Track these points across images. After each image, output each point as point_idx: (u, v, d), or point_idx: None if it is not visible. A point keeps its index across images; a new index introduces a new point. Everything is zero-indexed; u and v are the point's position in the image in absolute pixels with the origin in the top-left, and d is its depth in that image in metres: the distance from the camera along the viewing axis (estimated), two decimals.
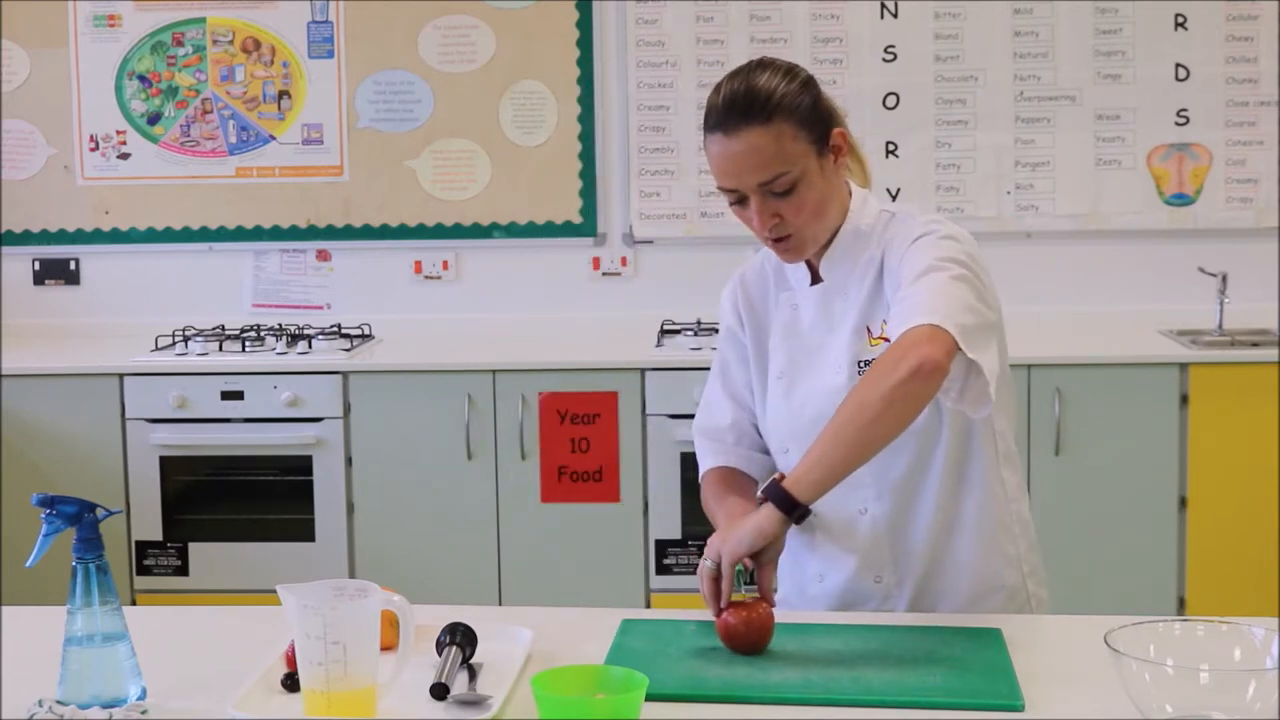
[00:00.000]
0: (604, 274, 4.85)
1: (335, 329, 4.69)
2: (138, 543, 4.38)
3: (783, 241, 2.13)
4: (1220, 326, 4.52)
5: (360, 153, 4.85)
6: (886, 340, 2.08)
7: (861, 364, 2.14)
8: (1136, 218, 4.71)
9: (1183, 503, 4.20)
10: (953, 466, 2.17)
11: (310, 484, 4.34)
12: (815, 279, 2.23)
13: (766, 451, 2.32)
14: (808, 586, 2.25)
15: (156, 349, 4.56)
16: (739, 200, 2.12)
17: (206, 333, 4.69)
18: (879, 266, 2.16)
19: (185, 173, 4.89)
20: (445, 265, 4.89)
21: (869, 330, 2.16)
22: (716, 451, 2.34)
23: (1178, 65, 4.67)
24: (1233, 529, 4.18)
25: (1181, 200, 4.70)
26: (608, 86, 4.80)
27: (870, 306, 2.16)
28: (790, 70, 2.12)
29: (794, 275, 2.25)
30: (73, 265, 4.96)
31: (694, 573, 2.13)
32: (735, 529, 1.99)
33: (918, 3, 4.69)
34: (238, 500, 4.42)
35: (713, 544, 2.01)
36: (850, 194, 2.21)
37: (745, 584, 1.99)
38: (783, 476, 2.00)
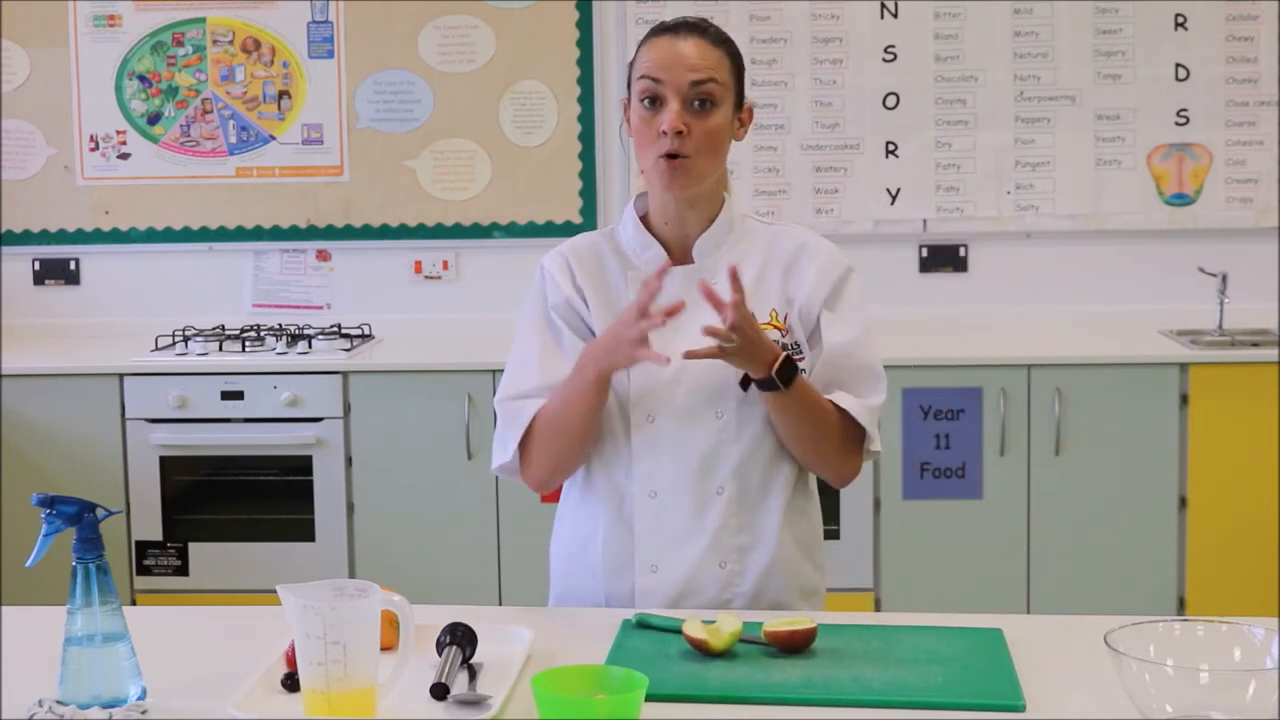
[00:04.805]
0: None
1: (335, 329, 4.69)
2: (138, 543, 4.37)
3: (676, 160, 2.19)
4: (1220, 326, 4.51)
5: (360, 153, 4.85)
6: (777, 328, 2.23)
7: None
8: (1136, 218, 4.71)
9: (1183, 503, 4.20)
10: (802, 472, 2.29)
11: (310, 484, 4.34)
12: (674, 262, 2.27)
13: None
14: (638, 578, 2.24)
15: (156, 349, 4.56)
16: (653, 102, 2.19)
17: (206, 333, 4.69)
18: (759, 267, 2.26)
19: (185, 173, 4.89)
20: (445, 265, 4.89)
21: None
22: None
23: (1178, 65, 4.67)
24: (1233, 529, 4.18)
25: (1181, 200, 4.70)
26: (608, 86, 4.80)
27: (754, 298, 2.21)
28: None
29: (641, 257, 2.28)
30: (73, 265, 4.96)
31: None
32: None
33: (918, 3, 4.69)
34: (238, 500, 4.41)
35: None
36: (728, 187, 2.32)
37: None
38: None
